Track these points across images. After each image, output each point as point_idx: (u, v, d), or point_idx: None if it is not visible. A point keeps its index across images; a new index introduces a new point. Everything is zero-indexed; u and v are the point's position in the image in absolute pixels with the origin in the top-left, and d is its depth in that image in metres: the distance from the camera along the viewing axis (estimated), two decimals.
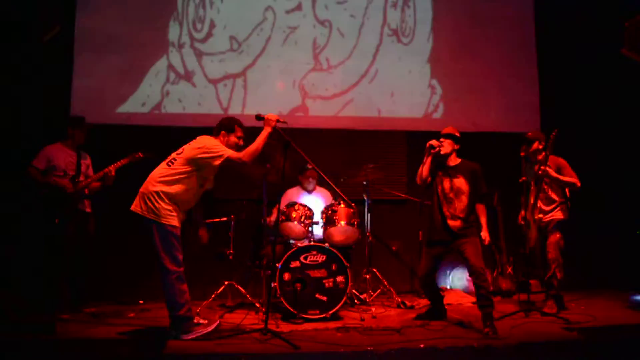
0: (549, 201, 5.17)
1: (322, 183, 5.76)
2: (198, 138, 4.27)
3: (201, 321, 4.21)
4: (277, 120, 4.27)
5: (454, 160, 4.75)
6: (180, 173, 4.13)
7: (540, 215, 5.12)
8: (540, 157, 5.04)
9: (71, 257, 4.94)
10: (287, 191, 5.87)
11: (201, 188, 4.26)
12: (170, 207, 4.09)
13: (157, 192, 4.09)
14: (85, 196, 5.12)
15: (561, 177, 5.02)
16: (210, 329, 4.08)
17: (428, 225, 4.78)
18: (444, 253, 4.67)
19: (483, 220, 4.68)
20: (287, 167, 5.30)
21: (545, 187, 5.15)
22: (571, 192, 5.16)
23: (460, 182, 4.64)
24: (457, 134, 4.79)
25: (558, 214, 5.13)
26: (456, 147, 4.75)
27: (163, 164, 4.23)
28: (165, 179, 4.12)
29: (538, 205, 5.13)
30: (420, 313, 4.94)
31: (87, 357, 3.85)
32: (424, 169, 4.70)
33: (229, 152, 4.13)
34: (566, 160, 5.16)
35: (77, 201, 5.03)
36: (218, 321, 4.14)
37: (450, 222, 4.58)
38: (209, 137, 4.28)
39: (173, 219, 4.11)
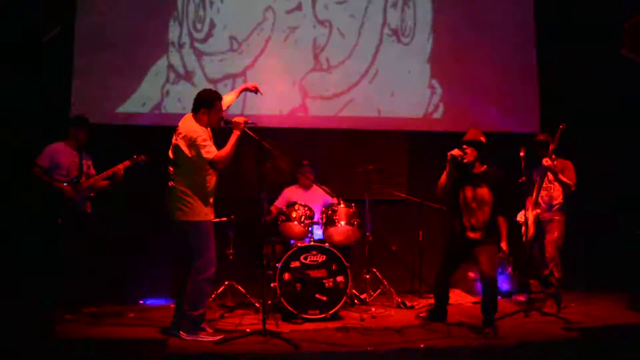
0: (551, 199, 5.17)
1: (319, 179, 5.75)
2: (180, 129, 4.17)
3: (207, 329, 4.22)
4: (245, 122, 4.19)
5: (478, 168, 4.51)
6: (188, 168, 4.13)
7: (538, 211, 5.12)
8: (550, 149, 4.91)
9: (72, 258, 4.93)
10: (285, 189, 5.88)
11: (214, 172, 4.22)
12: (198, 203, 4.12)
13: (180, 192, 4.11)
14: (87, 197, 5.11)
15: (560, 175, 5.02)
16: (212, 339, 4.06)
17: (447, 232, 4.66)
18: (461, 263, 4.66)
19: (504, 232, 4.49)
20: (286, 166, 5.33)
21: (550, 185, 5.16)
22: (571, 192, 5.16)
23: (484, 192, 4.42)
24: (482, 139, 4.51)
25: (558, 214, 5.14)
26: (479, 154, 4.49)
27: (170, 167, 4.24)
28: (179, 177, 4.14)
29: (539, 202, 5.13)
30: (420, 313, 4.94)
31: (87, 357, 3.85)
32: (446, 180, 4.45)
33: (212, 155, 4.07)
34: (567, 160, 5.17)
35: (78, 202, 5.02)
36: (222, 336, 4.11)
37: (470, 234, 4.43)
38: (191, 124, 4.17)
39: (206, 214, 4.16)
